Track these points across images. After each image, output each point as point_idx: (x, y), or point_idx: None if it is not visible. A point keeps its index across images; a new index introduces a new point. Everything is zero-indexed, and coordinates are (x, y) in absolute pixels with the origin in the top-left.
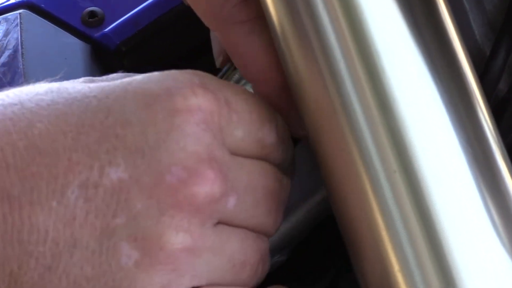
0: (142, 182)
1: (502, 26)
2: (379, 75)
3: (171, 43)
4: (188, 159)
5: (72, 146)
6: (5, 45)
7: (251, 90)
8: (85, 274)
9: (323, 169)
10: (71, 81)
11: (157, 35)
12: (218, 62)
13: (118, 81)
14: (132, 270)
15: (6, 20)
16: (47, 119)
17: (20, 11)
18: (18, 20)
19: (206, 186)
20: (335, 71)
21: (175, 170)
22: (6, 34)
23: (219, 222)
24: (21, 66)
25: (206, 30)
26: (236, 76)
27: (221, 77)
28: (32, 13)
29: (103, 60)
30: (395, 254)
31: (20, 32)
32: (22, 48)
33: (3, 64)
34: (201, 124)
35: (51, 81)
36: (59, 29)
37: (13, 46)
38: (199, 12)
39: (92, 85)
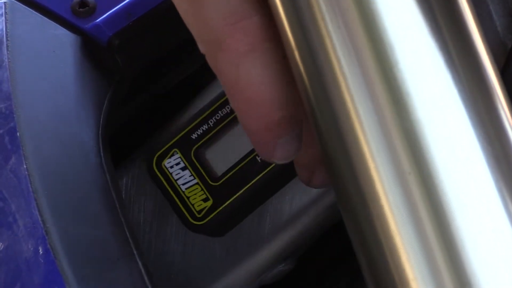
0: None
1: None
2: (392, 67)
3: (168, 34)
4: None
5: None
6: None
7: None
8: None
9: (330, 171)
10: None
11: (152, 26)
12: None
13: None
14: None
15: None
16: None
17: (5, 0)
18: (3, 10)
19: None
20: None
21: None
22: None
23: None
24: (6, 60)
25: None
26: None
27: None
28: (18, 2)
29: (94, 53)
30: (409, 261)
31: (5, 22)
32: (7, 40)
33: None
34: None
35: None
36: (47, 19)
37: None
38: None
39: None
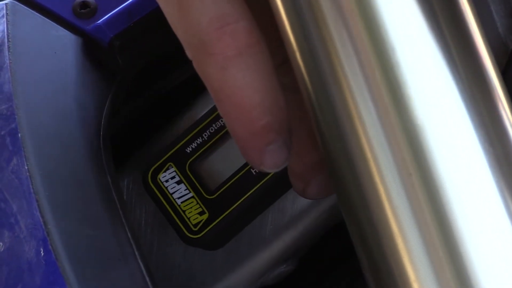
0: None
1: None
2: (394, 69)
3: (169, 35)
4: None
5: None
6: None
7: None
8: None
9: (332, 173)
10: None
11: (154, 27)
12: None
13: None
14: None
15: None
16: None
17: (6, 1)
18: (4, 11)
19: None
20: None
21: None
22: None
23: None
24: (8, 61)
25: None
26: None
27: None
28: (19, 3)
29: (96, 53)
30: (411, 263)
31: (6, 24)
32: (8, 41)
33: None
34: None
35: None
36: (48, 20)
37: None
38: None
39: None
